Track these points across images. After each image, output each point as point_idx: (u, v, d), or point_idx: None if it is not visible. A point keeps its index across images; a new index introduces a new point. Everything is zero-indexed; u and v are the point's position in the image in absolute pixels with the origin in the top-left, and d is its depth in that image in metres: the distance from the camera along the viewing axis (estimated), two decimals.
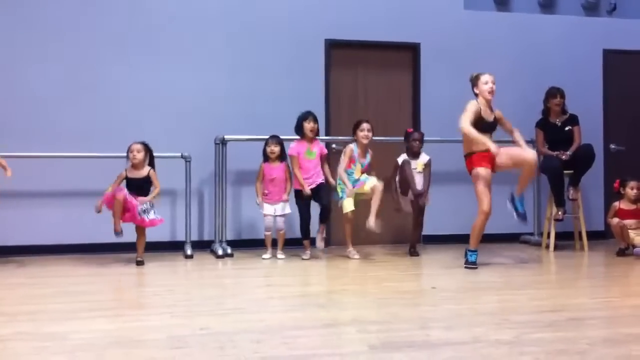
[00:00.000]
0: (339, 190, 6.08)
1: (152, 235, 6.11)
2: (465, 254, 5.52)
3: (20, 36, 6.38)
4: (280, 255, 6.06)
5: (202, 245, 6.56)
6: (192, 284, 5.04)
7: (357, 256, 6.01)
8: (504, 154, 5.39)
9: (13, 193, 6.01)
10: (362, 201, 6.06)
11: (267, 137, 6.18)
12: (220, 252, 6.20)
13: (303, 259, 5.98)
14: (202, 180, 6.69)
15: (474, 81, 5.53)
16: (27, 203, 6.29)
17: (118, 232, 5.54)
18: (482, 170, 5.39)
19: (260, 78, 6.85)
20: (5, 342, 3.16)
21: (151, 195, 5.74)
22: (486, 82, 5.44)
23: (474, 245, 5.50)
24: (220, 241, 6.42)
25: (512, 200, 5.67)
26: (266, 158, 6.11)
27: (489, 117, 5.48)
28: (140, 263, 5.66)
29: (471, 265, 5.44)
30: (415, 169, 6.18)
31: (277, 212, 6.07)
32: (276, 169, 6.08)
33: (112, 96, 6.54)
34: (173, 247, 6.49)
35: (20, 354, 2.99)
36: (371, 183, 5.96)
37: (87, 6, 6.55)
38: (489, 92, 5.44)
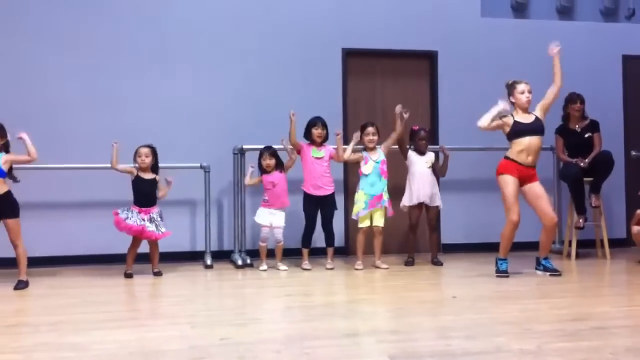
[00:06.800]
0: (356, 209, 6.02)
1: (172, 245, 6.15)
2: (496, 263, 5.50)
3: (38, 49, 6.46)
4: (282, 266, 5.99)
5: (222, 255, 6.58)
6: (212, 294, 5.06)
7: (361, 267, 5.94)
8: (534, 193, 5.39)
9: (35, 204, 6.07)
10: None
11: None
12: (240, 262, 6.21)
13: (304, 268, 5.94)
14: (221, 190, 6.72)
15: (510, 89, 5.54)
16: (47, 214, 6.35)
17: (129, 274, 5.61)
18: (509, 178, 5.36)
19: (278, 87, 6.88)
20: (28, 352, 3.18)
21: (165, 189, 5.84)
22: (522, 91, 5.48)
23: (503, 254, 5.49)
24: (240, 251, 6.43)
25: (539, 264, 5.62)
26: (263, 171, 6.04)
27: (527, 119, 5.48)
28: (158, 274, 5.70)
29: (502, 273, 5.42)
30: (426, 163, 6.23)
31: (274, 223, 6.00)
32: (276, 176, 6.03)
33: (130, 107, 6.60)
34: (193, 257, 6.53)
35: None
36: (377, 221, 5.99)
37: (103, 17, 6.62)
38: (526, 102, 5.48)
